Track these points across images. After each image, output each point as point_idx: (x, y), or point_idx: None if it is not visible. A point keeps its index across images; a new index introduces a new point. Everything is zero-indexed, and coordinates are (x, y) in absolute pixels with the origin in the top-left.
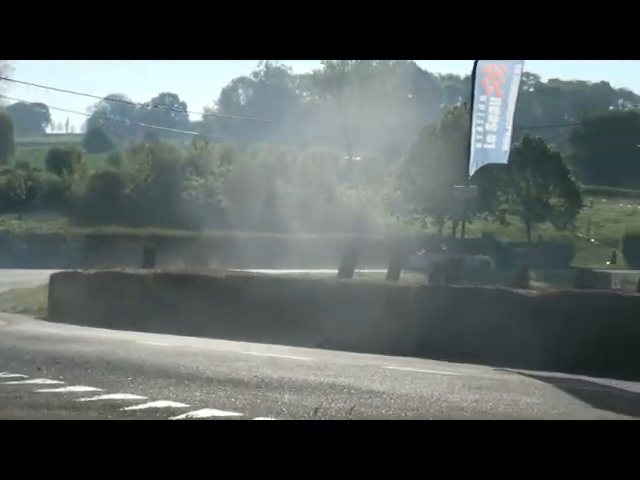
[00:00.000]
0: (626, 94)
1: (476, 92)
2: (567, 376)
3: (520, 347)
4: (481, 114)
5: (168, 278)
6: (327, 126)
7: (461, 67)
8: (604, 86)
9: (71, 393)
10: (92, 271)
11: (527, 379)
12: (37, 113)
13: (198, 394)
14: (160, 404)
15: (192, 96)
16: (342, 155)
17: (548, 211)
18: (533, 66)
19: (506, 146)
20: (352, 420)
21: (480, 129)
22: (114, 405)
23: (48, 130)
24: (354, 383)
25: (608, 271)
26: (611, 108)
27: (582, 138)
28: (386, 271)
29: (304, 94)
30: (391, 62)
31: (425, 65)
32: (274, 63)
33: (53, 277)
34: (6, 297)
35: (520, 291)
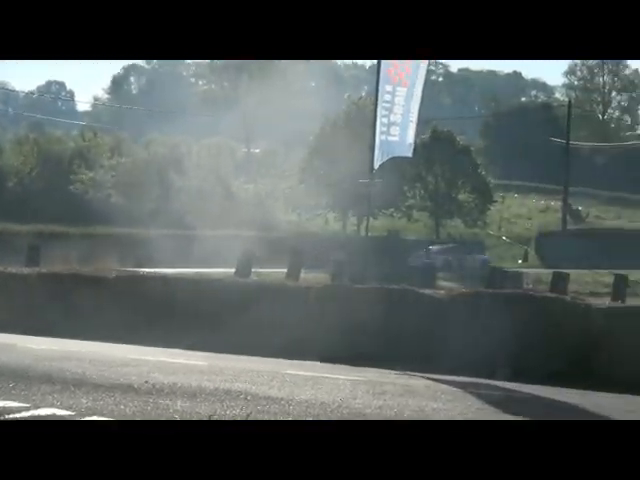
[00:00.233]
0: (539, 85)
1: (381, 81)
2: (476, 380)
3: (427, 350)
4: (386, 104)
5: (53, 277)
6: (224, 116)
7: None
8: (516, 76)
9: None
10: None
11: (433, 384)
12: None
13: (84, 401)
14: (44, 412)
15: (80, 84)
16: (240, 147)
17: (457, 207)
18: None
19: (411, 138)
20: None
21: (385, 120)
22: None
23: None
24: (251, 389)
25: (521, 270)
26: (523, 99)
27: (493, 130)
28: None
29: (200, 82)
30: None
31: None
32: None
33: None
34: None
35: (427, 291)
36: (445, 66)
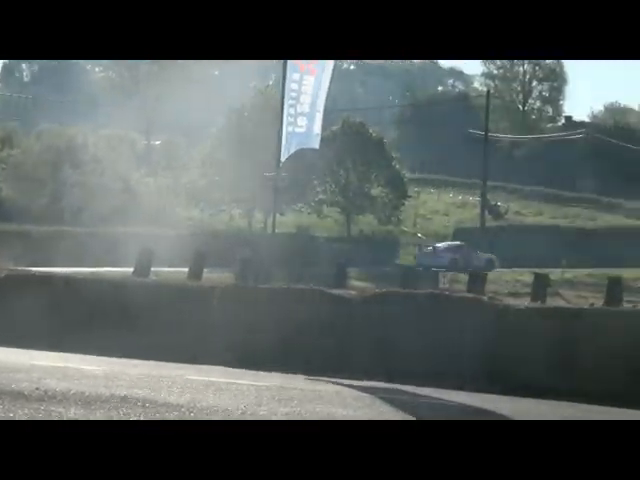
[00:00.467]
0: (456, 73)
1: (288, 70)
2: (386, 386)
3: (337, 353)
4: (293, 94)
5: None
6: (124, 106)
7: None
8: (432, 65)
9: None
10: None
11: (344, 389)
12: None
13: None
14: None
15: None
16: (140, 139)
17: (370, 202)
18: None
19: (318, 129)
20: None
21: (292, 111)
22: None
23: None
24: (150, 395)
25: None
26: (440, 89)
27: (408, 122)
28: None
29: (97, 69)
30: None
31: None
32: None
33: None
34: None
35: (337, 291)
36: None
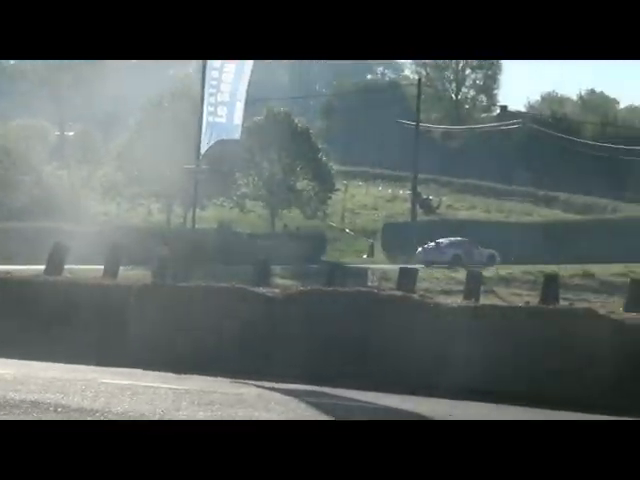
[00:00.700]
0: (386, 61)
1: None
2: (309, 388)
3: (258, 354)
4: (214, 82)
5: None
6: (35, 95)
7: None
8: None
9: None
10: None
11: (266, 392)
12: None
13: None
14: None
15: None
16: (53, 130)
17: (295, 196)
18: None
19: (238, 119)
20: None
21: (212, 100)
22: None
23: None
24: (62, 400)
25: (365, 266)
26: (369, 77)
27: (336, 112)
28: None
29: None
30: None
31: None
32: None
33: None
34: None
35: (260, 290)
36: None
